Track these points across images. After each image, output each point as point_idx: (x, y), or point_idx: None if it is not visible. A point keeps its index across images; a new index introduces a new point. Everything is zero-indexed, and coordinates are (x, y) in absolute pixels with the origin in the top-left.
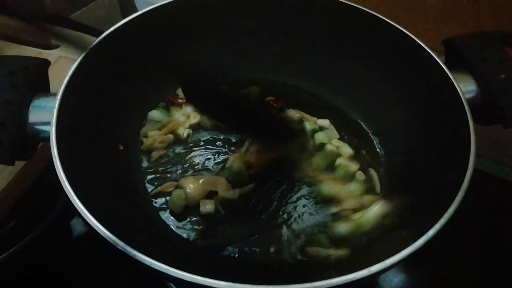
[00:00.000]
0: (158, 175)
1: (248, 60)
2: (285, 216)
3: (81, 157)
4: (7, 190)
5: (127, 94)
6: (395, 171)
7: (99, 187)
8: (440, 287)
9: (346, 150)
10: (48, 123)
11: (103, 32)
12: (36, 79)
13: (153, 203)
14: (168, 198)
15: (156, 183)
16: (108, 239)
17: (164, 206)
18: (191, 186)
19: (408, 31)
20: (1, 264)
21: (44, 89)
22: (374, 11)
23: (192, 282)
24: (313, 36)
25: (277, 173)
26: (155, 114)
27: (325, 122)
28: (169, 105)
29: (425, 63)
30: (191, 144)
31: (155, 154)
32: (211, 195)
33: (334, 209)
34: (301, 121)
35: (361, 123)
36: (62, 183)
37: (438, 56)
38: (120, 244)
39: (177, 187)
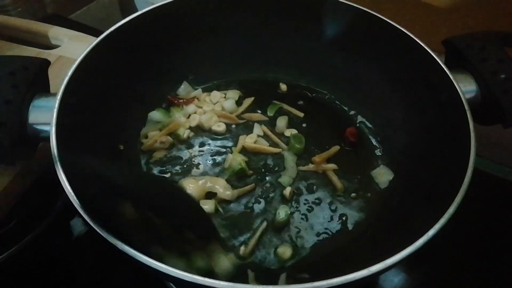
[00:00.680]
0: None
1: (248, 60)
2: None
3: (81, 157)
4: (7, 190)
5: (127, 94)
6: (394, 170)
7: (99, 187)
8: (440, 287)
9: None
10: (48, 123)
11: (103, 32)
12: (36, 79)
13: None
14: None
15: None
16: (108, 239)
17: None
18: (191, 186)
19: (408, 31)
20: (1, 264)
21: (44, 89)
22: (374, 11)
23: (192, 282)
24: (313, 36)
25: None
26: (155, 114)
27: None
28: (169, 105)
29: (425, 63)
30: (191, 145)
31: (156, 155)
32: (210, 195)
33: None
34: None
35: (361, 122)
36: (62, 183)
37: (438, 56)
38: (120, 244)
39: None
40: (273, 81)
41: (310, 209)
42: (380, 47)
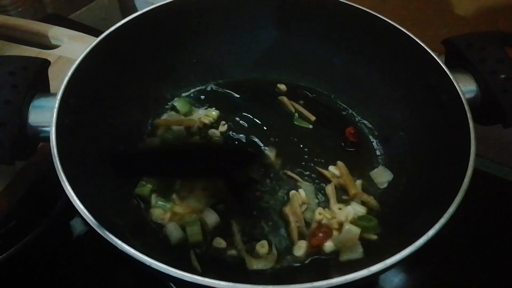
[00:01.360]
0: None
1: (248, 60)
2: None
3: (81, 157)
4: (7, 190)
5: (127, 94)
6: (394, 170)
7: (99, 187)
8: (440, 287)
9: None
10: (48, 123)
11: (103, 32)
12: (36, 79)
13: None
14: None
15: None
16: (108, 239)
17: None
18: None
19: (408, 31)
20: (1, 264)
21: (44, 89)
22: (374, 11)
23: (192, 282)
24: (313, 36)
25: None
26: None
27: None
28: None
29: (425, 63)
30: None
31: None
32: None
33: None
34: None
35: (361, 122)
36: (62, 183)
37: (438, 56)
38: (120, 244)
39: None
40: (273, 81)
41: None
42: (380, 47)
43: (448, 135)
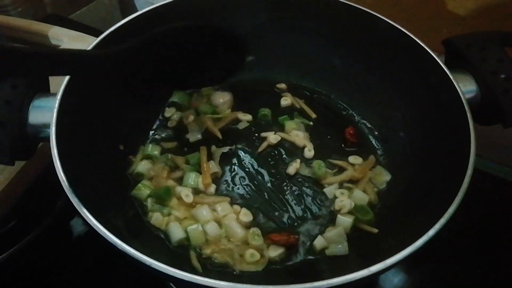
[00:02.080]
0: None
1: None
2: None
3: (81, 157)
4: (7, 190)
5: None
6: (394, 170)
7: (99, 187)
8: (440, 287)
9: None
10: (48, 123)
11: (103, 32)
12: (36, 79)
13: None
14: None
15: None
16: (108, 239)
17: None
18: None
19: (408, 31)
20: (1, 264)
21: (44, 89)
22: (374, 11)
23: (192, 282)
24: (313, 36)
25: None
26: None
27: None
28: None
29: (425, 63)
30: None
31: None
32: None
33: None
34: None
35: (360, 122)
36: (62, 183)
37: (438, 56)
38: (120, 244)
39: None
40: (273, 81)
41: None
42: (380, 47)
43: (448, 135)
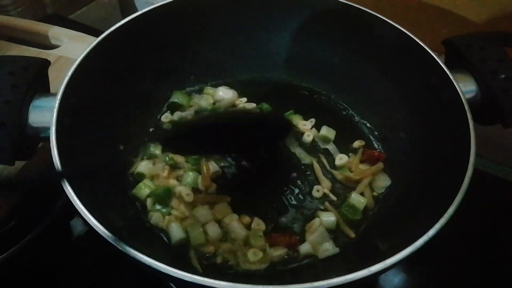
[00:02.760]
0: None
1: (247, 59)
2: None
3: (81, 157)
4: (7, 190)
5: (127, 94)
6: (394, 170)
7: (99, 187)
8: (440, 287)
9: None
10: (48, 123)
11: (103, 32)
12: (36, 79)
13: None
14: None
15: None
16: (108, 239)
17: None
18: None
19: (408, 31)
20: (1, 264)
21: (44, 89)
22: (374, 11)
23: (192, 282)
24: (313, 36)
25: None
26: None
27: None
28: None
29: (425, 63)
30: None
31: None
32: None
33: None
34: None
35: (360, 122)
36: (62, 183)
37: (438, 56)
38: (120, 244)
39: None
40: (273, 81)
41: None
42: (380, 47)
43: (448, 135)
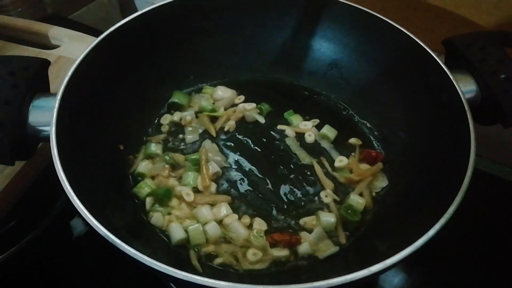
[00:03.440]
0: None
1: (247, 59)
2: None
3: (81, 157)
4: (7, 190)
5: (127, 94)
6: (394, 170)
7: (99, 187)
8: (440, 287)
9: None
10: (48, 123)
11: (103, 32)
12: (36, 79)
13: None
14: None
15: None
16: (108, 239)
17: None
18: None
19: (408, 31)
20: (1, 264)
21: (44, 89)
22: (374, 11)
23: (192, 282)
24: (313, 36)
25: None
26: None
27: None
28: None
29: (425, 63)
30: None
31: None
32: None
33: None
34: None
35: (360, 122)
36: (62, 183)
37: (438, 56)
38: (120, 244)
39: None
40: (273, 81)
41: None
42: (380, 47)
43: (448, 135)
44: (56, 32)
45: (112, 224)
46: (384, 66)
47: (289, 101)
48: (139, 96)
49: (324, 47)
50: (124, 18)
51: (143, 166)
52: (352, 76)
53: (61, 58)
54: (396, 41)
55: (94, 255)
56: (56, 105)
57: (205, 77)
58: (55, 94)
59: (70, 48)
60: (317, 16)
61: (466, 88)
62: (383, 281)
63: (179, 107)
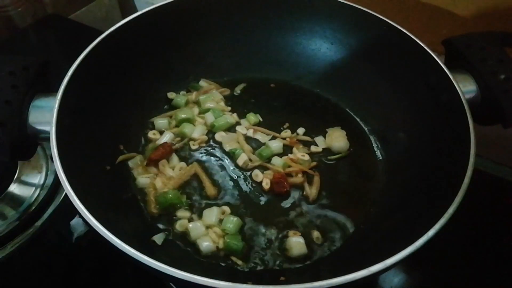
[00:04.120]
0: None
1: (247, 59)
2: None
3: (81, 157)
4: None
5: (127, 94)
6: (394, 170)
7: (99, 187)
8: (440, 287)
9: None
10: (48, 123)
11: (103, 32)
12: (36, 79)
13: None
14: None
15: None
16: (108, 239)
17: None
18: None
19: (408, 31)
20: (1, 264)
21: (44, 89)
22: (374, 11)
23: (192, 282)
24: (313, 36)
25: None
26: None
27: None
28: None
29: (425, 63)
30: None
31: None
32: None
33: None
34: None
35: (360, 122)
36: (62, 183)
37: (438, 56)
38: (120, 244)
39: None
40: (273, 81)
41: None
42: (380, 47)
43: (448, 135)
44: None
45: (112, 224)
46: (384, 66)
47: (289, 102)
48: (139, 96)
49: (324, 47)
50: (124, 18)
51: (143, 179)
52: (351, 77)
53: None
54: (396, 41)
55: (94, 255)
56: (56, 105)
57: (205, 77)
58: (55, 94)
59: None
60: (317, 17)
61: (466, 88)
62: (383, 281)
63: (178, 107)
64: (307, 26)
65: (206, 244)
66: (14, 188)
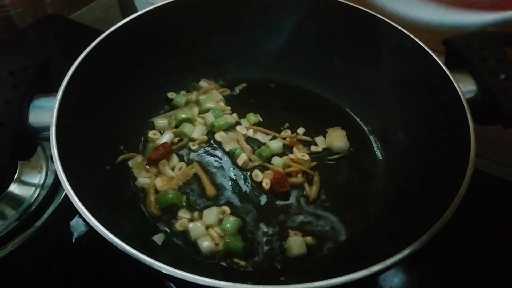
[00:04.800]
0: None
1: (247, 59)
2: None
3: (81, 157)
4: None
5: (127, 94)
6: (394, 170)
7: (99, 187)
8: (440, 287)
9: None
10: (48, 123)
11: (103, 32)
12: (36, 79)
13: None
14: None
15: None
16: (108, 239)
17: None
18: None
19: (408, 31)
20: (1, 264)
21: (44, 89)
22: (374, 11)
23: (192, 282)
24: (312, 35)
25: None
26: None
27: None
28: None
29: (425, 63)
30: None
31: None
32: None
33: None
34: None
35: (360, 122)
36: (62, 183)
37: (438, 56)
38: (120, 244)
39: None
40: (273, 81)
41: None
42: (380, 47)
43: (448, 135)
44: None
45: (112, 224)
46: (384, 66)
47: (289, 101)
48: (139, 96)
49: (323, 48)
50: (124, 18)
51: (143, 179)
52: (352, 77)
53: None
54: (396, 41)
55: (94, 255)
56: (56, 105)
57: (204, 77)
58: (55, 94)
59: None
60: (317, 17)
61: (466, 88)
62: (383, 281)
63: (178, 107)
64: (307, 26)
65: (206, 244)
66: (14, 188)
